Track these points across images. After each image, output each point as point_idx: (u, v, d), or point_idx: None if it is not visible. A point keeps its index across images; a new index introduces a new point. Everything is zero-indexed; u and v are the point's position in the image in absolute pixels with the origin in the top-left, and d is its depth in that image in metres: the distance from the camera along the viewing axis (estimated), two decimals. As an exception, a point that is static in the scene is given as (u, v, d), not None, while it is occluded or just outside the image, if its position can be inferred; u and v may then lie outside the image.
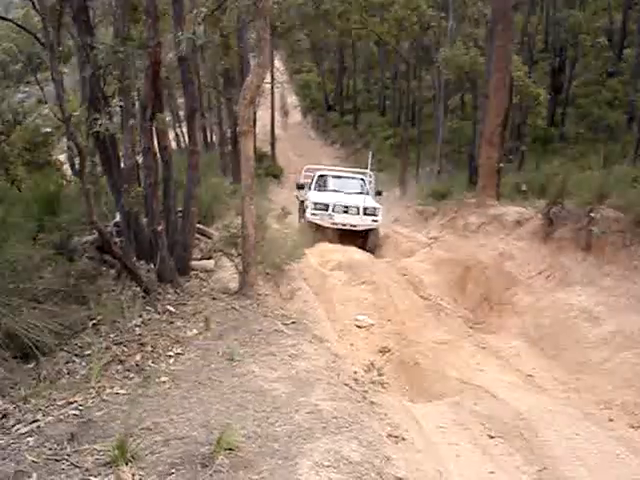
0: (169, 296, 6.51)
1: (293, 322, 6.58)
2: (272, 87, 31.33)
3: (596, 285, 8.94)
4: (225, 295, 6.95)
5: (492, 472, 5.18)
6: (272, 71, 30.18)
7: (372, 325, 8.96)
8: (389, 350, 8.24)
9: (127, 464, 3.49)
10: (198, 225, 8.12)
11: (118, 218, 7.59)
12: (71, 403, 4.27)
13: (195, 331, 5.83)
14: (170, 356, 5.26)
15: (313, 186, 17.67)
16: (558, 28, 24.82)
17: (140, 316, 5.85)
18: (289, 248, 8.55)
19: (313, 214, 15.67)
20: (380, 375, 5.83)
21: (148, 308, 6.06)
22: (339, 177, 18.48)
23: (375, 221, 15.83)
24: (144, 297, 6.19)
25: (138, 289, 6.32)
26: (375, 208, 15.89)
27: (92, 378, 4.58)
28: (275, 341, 5.82)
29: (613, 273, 8.98)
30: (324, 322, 7.59)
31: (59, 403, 4.27)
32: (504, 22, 14.74)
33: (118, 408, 4.25)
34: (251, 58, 20.99)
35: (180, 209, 7.53)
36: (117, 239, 7.21)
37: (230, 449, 3.68)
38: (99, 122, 5.85)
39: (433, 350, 8.23)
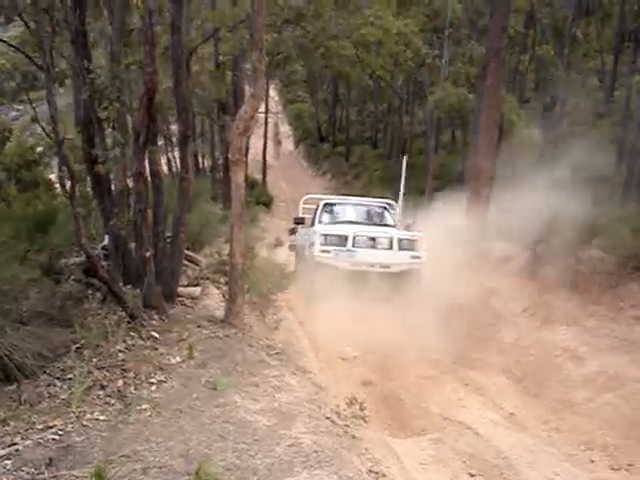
0: (154, 322, 6.48)
1: (277, 353, 6.57)
2: (266, 116, 31.51)
3: (581, 325, 9.01)
4: (210, 323, 6.93)
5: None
6: (267, 100, 30.38)
7: (355, 357, 8.95)
8: (372, 383, 8.22)
9: (105, 492, 3.47)
10: (186, 251, 8.13)
11: (106, 241, 7.59)
12: (51, 427, 4.23)
13: (179, 359, 5.80)
14: (152, 383, 5.23)
15: (318, 218, 13.22)
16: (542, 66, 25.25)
17: (124, 341, 5.81)
18: (276, 278, 8.56)
19: (324, 251, 11.14)
20: (362, 409, 5.82)
21: (132, 334, 6.02)
22: (354, 205, 14.13)
23: (417, 258, 11.39)
24: (129, 322, 6.16)
25: (123, 314, 6.29)
26: (412, 240, 11.55)
27: (73, 403, 4.55)
28: (259, 372, 5.80)
29: (598, 313, 9.06)
30: (308, 353, 7.60)
31: (38, 427, 4.24)
32: (496, 61, 14.95)
33: (98, 434, 4.22)
34: (245, 86, 21.16)
35: (169, 235, 7.54)
36: (104, 263, 7.20)
37: (208, 480, 3.66)
38: (94, 153, 5.87)
39: (416, 385, 8.22)
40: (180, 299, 7.55)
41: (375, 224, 12.90)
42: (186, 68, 7.95)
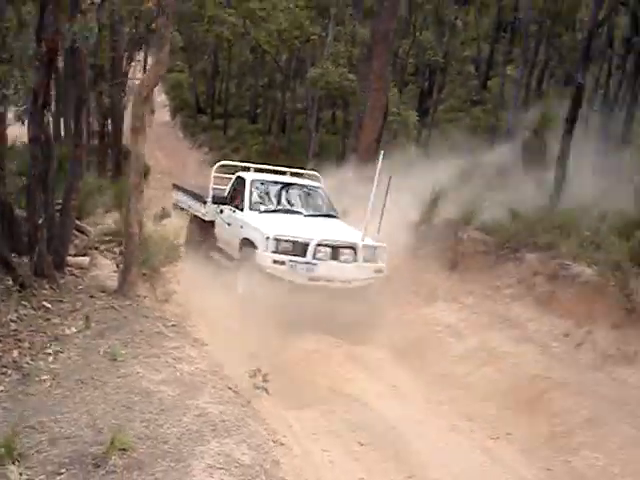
0: (45, 292, 6.27)
1: (173, 325, 6.52)
2: (143, 84, 30.63)
3: (460, 302, 9.47)
4: (104, 294, 6.78)
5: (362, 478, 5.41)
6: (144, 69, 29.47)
7: (243, 331, 8.96)
8: (260, 357, 8.27)
9: (14, 463, 3.39)
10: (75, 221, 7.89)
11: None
12: (-54, 398, 4.08)
13: (74, 329, 5.67)
14: (49, 354, 5.10)
15: (248, 201, 11.09)
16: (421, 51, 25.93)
17: (16, 311, 5.61)
18: (166, 250, 8.43)
19: (277, 261, 9.30)
20: (265, 381, 5.89)
21: (24, 303, 5.82)
22: (285, 185, 11.87)
23: (379, 271, 9.90)
24: (19, 291, 5.95)
25: (11, 283, 6.06)
26: (375, 247, 9.89)
27: (-32, 373, 4.39)
28: (157, 343, 5.76)
29: (476, 292, 9.54)
30: (201, 326, 7.56)
31: None
32: (384, 44, 15.28)
33: (-2, 406, 4.11)
34: (124, 53, 20.45)
35: (59, 202, 7.28)
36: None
37: (124, 449, 3.64)
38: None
39: (304, 358, 8.35)
40: (69, 269, 7.32)
41: (317, 214, 11.25)
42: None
